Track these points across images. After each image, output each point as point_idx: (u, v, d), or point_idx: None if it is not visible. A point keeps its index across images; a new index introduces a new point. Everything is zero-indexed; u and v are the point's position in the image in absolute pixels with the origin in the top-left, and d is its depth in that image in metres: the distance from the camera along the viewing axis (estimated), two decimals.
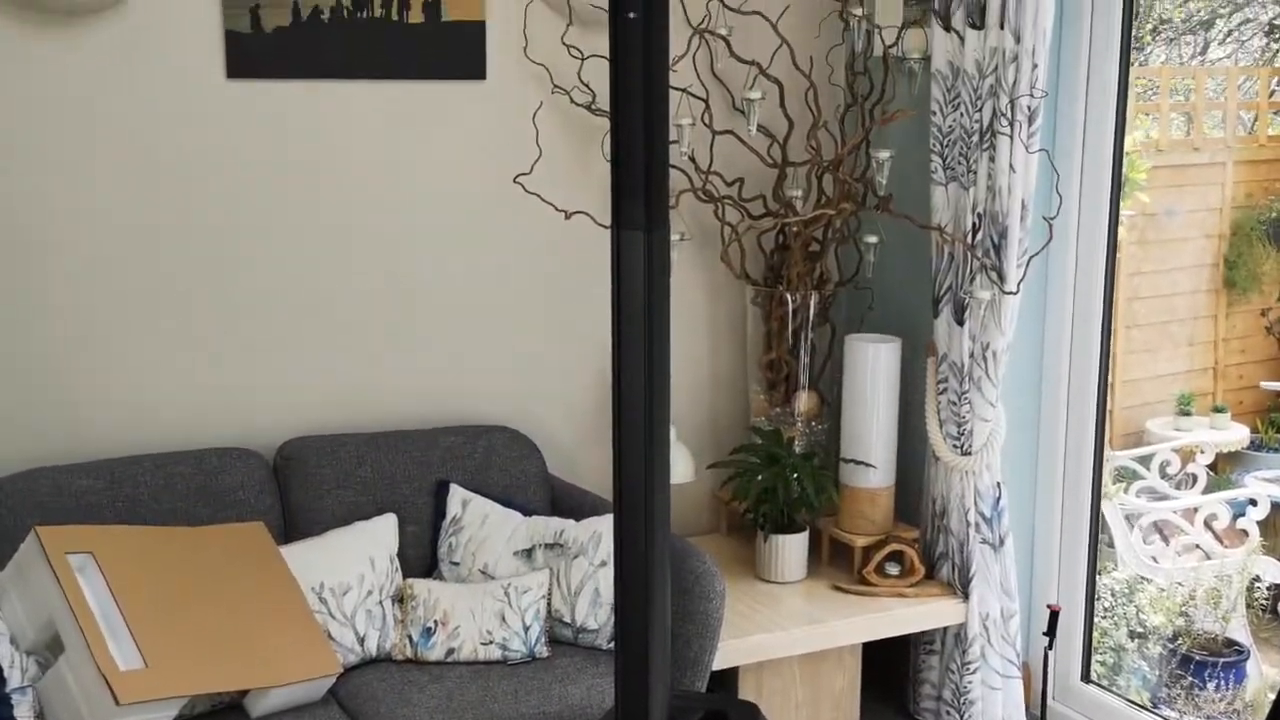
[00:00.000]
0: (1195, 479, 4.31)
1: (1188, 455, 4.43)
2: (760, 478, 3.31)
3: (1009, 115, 2.97)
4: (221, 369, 3.10)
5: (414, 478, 3.09)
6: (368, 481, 3.05)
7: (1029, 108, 2.95)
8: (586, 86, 3.27)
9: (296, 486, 3.01)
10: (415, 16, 3.12)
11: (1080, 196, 3.18)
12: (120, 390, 3.01)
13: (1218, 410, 4.80)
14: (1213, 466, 4.54)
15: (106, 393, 3.00)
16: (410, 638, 2.84)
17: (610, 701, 2.67)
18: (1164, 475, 4.34)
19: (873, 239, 3.42)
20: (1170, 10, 5.93)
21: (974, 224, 3.10)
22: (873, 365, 3.33)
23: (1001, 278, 3.06)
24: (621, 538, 2.15)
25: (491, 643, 2.82)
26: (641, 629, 2.14)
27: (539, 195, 3.21)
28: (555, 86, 3.26)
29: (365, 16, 3.08)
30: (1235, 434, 4.79)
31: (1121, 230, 3.73)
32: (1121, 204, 3.23)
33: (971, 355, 3.17)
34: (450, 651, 2.82)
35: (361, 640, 2.80)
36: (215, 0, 2.94)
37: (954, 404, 3.23)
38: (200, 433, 3.08)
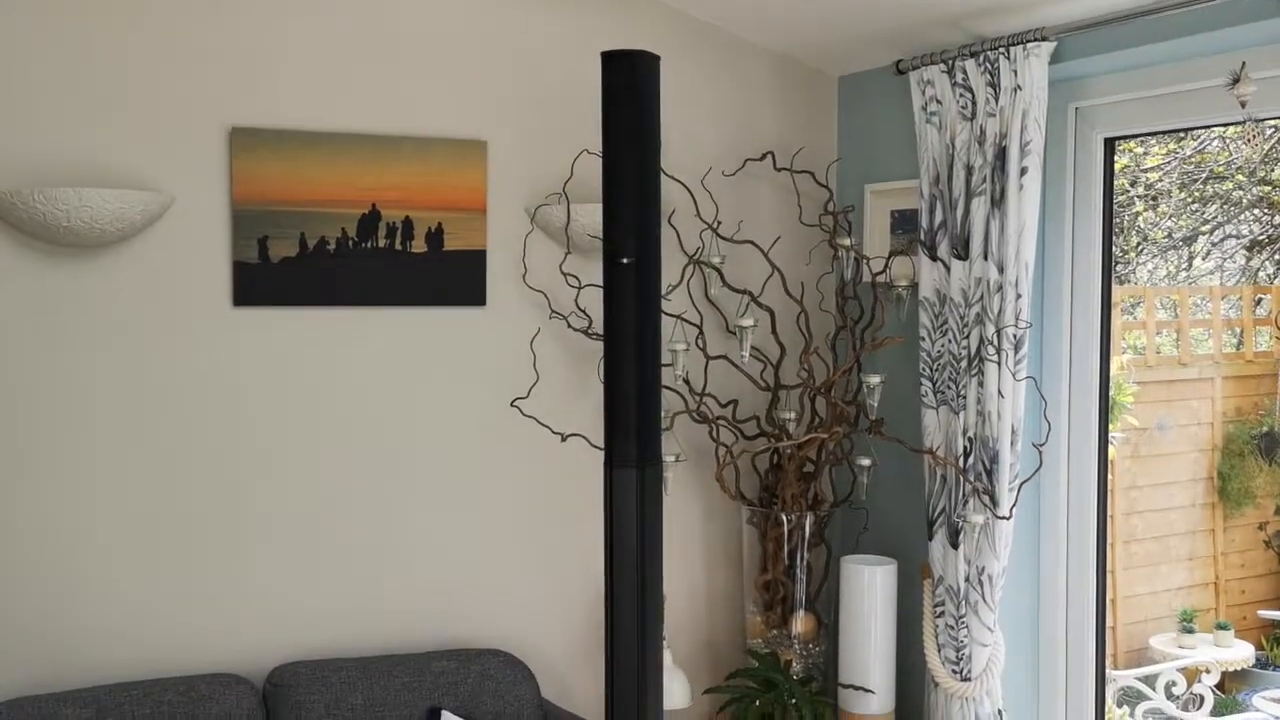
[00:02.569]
0: (1202, 700, 4.24)
1: (1193, 675, 4.36)
2: (758, 704, 3.25)
3: (995, 343, 3.03)
4: (214, 592, 3.08)
5: (405, 704, 3.04)
6: (358, 709, 2.99)
7: (1014, 336, 3.02)
8: (583, 312, 3.35)
9: (286, 715, 2.95)
10: (418, 246, 3.23)
11: (1069, 421, 3.22)
12: (109, 616, 2.99)
13: (1221, 628, 4.75)
14: (1219, 686, 4.46)
15: (95, 619, 2.97)
16: None
17: None
18: (1170, 696, 4.26)
19: (866, 461, 3.45)
20: (1153, 230, 6.12)
21: (965, 448, 3.13)
22: (869, 588, 3.32)
23: (994, 502, 3.08)
24: None
25: None
26: None
27: (536, 419, 3.26)
28: (553, 312, 3.35)
29: (370, 246, 3.18)
30: (1240, 652, 4.73)
31: (1114, 448, 3.77)
32: (1110, 426, 3.27)
33: (967, 579, 3.16)
34: None
35: None
36: (224, 232, 3.05)
37: (951, 628, 3.20)
38: (189, 657, 3.04)
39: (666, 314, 3.36)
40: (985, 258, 3.06)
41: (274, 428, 3.13)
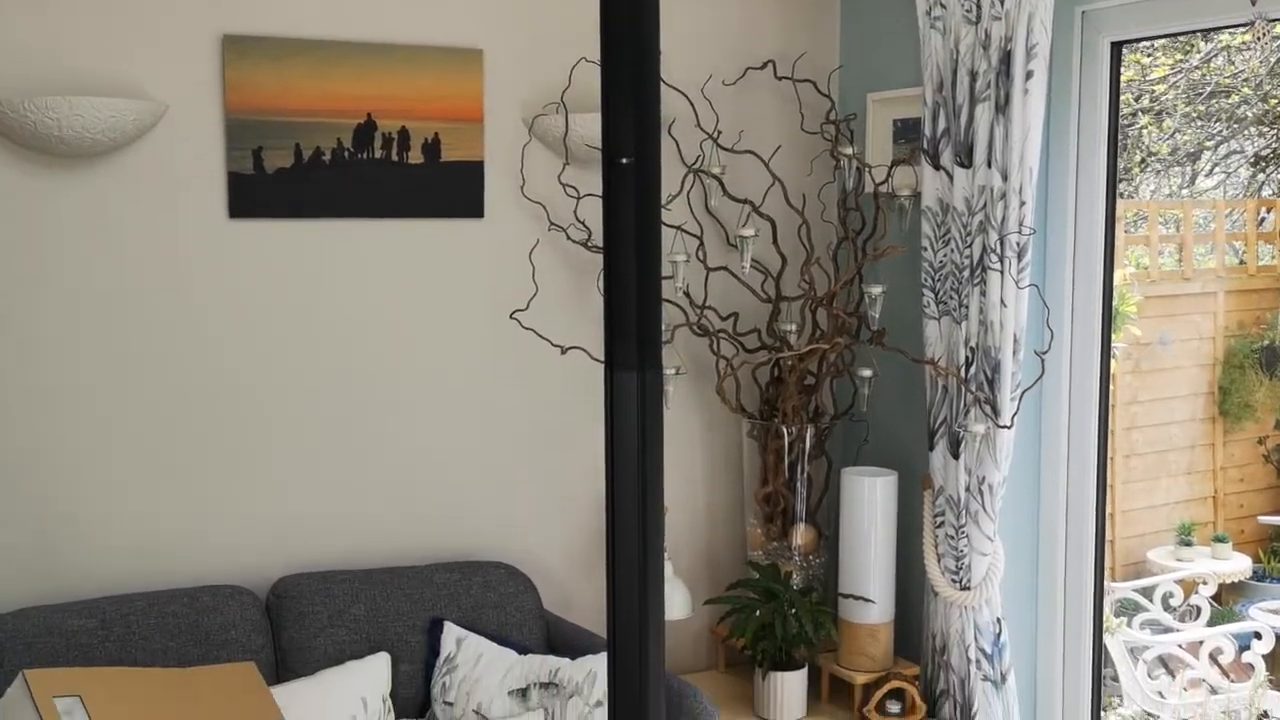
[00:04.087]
0: (1199, 611, 4.27)
1: (1190, 587, 4.39)
2: (758, 614, 3.28)
3: (998, 251, 3.01)
4: (216, 505, 3.09)
5: (407, 615, 3.06)
6: (361, 620, 3.01)
7: (1018, 244, 3.00)
8: (582, 224, 3.33)
9: (289, 625, 2.98)
10: (415, 157, 3.19)
11: (1071, 330, 3.21)
12: (114, 528, 3.00)
13: (1219, 540, 4.78)
14: (1216, 598, 4.50)
15: (100, 530, 2.98)
16: None
17: None
18: (1167, 608, 4.29)
19: (867, 372, 3.44)
20: (1157, 144, 6.06)
21: (967, 358, 3.12)
22: (869, 499, 3.33)
23: (995, 411, 3.07)
24: (615, 678, 2.13)
25: None
26: None
27: (535, 331, 3.24)
28: (552, 224, 3.32)
29: (366, 157, 3.14)
30: (1237, 564, 4.76)
31: (1115, 361, 3.76)
32: (1113, 336, 3.26)
33: (968, 489, 3.16)
34: None
35: None
36: (219, 142, 3.01)
37: (951, 538, 3.21)
38: (193, 570, 3.06)
39: (666, 225, 3.33)
40: (989, 165, 3.03)
41: (272, 342, 3.12)
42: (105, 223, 2.93)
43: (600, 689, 2.86)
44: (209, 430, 3.08)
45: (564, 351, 3.25)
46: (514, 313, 3.26)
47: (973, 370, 3.12)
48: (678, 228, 3.40)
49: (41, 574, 2.92)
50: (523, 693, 2.95)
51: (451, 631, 3.05)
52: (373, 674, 2.91)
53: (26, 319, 2.89)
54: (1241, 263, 5.40)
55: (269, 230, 3.08)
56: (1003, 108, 2.98)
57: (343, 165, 3.12)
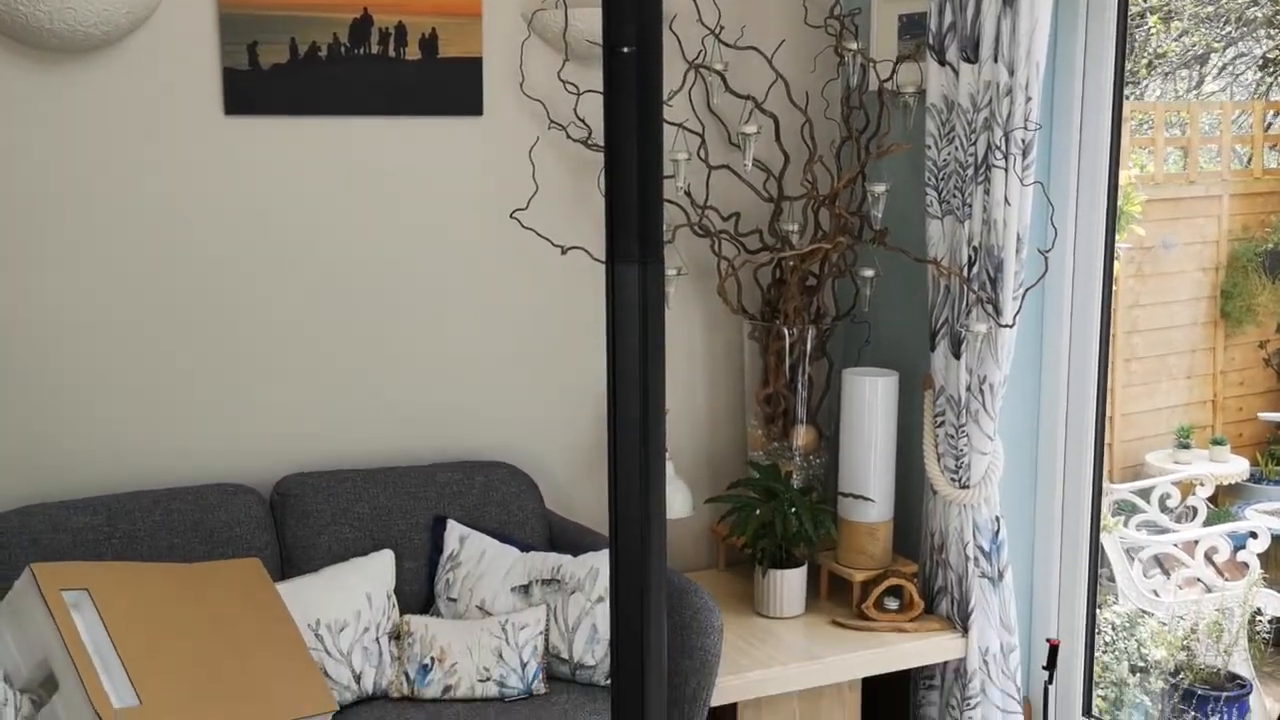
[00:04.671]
0: (1195, 512, 4.31)
1: (1187, 488, 4.42)
2: (758, 512, 3.30)
3: (1003, 148, 2.98)
4: (219, 405, 3.10)
5: (411, 514, 3.08)
6: (364, 518, 3.04)
7: (1023, 140, 2.96)
8: (583, 122, 3.29)
9: (293, 523, 3.00)
10: (412, 53, 3.14)
11: (1075, 229, 3.19)
12: (118, 426, 3.01)
13: (1217, 443, 4.80)
14: (1213, 499, 4.53)
15: (104, 429, 2.99)
16: (407, 675, 2.82)
17: None
18: (1164, 508, 4.33)
19: (869, 272, 3.43)
20: (1165, 45, 5.98)
21: (970, 257, 3.11)
22: (870, 399, 3.33)
23: (997, 311, 3.06)
24: (618, 573, 2.14)
25: (489, 679, 2.81)
26: (638, 665, 2.13)
27: (535, 230, 3.22)
28: (552, 122, 3.28)
29: (362, 53, 3.10)
30: (1235, 467, 4.79)
31: (1118, 264, 3.74)
32: (1117, 236, 3.24)
33: (968, 388, 3.17)
34: (447, 689, 2.80)
35: (358, 677, 2.78)
36: (213, 37, 2.96)
37: (951, 437, 3.22)
38: (197, 469, 3.07)
39: (668, 122, 3.29)
40: (995, 60, 2.98)
41: (271, 240, 3.10)
42: (98, 119, 2.90)
43: (602, 585, 2.89)
44: (209, 329, 3.07)
45: (564, 251, 3.23)
46: (514, 212, 3.23)
47: (975, 269, 3.10)
48: (679, 125, 3.36)
49: (46, 472, 2.93)
50: (525, 589, 2.99)
51: (454, 529, 3.08)
52: (377, 570, 2.94)
53: (21, 218, 2.87)
54: (1247, 166, 5.36)
55: (265, 127, 3.05)
56: (1010, 1, 2.93)
57: (339, 61, 3.08)
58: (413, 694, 2.81)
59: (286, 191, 3.10)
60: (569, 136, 3.29)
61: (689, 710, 2.80)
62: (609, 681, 2.78)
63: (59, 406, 2.95)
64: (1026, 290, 3.06)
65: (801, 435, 3.51)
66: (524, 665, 2.83)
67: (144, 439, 3.03)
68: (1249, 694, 3.67)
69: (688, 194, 3.39)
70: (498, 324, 3.38)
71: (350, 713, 2.75)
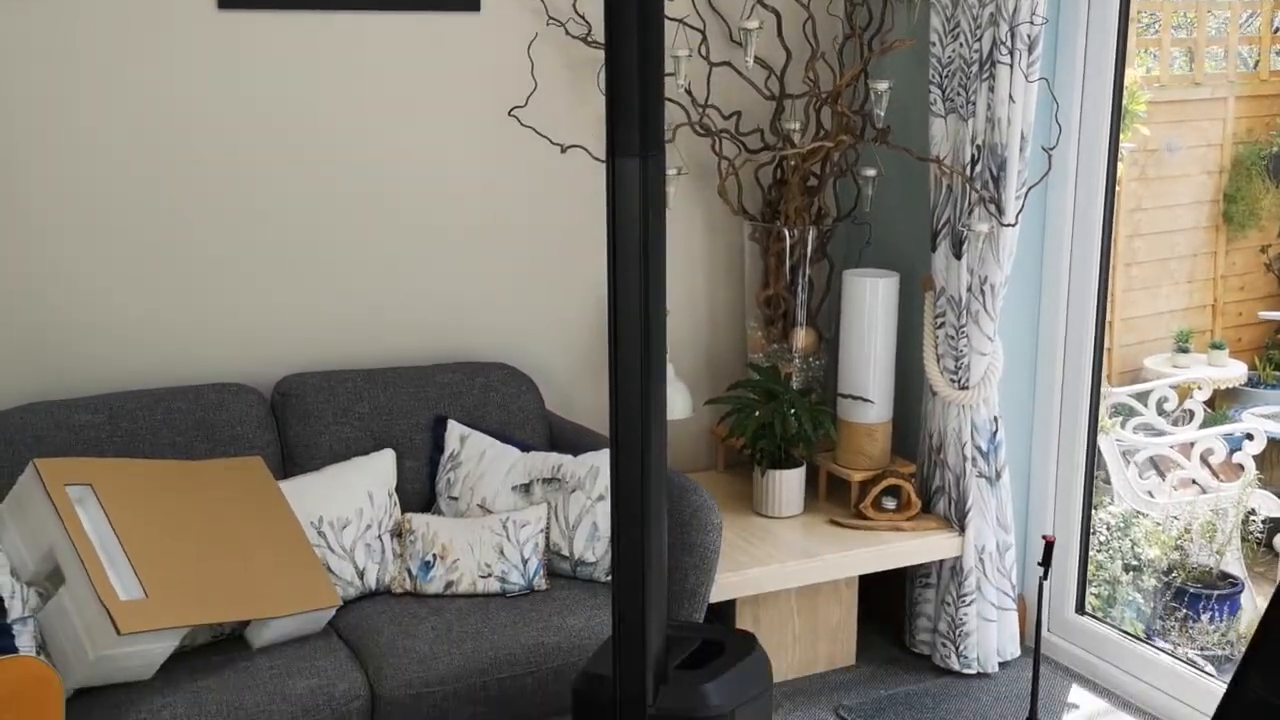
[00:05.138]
0: (1192, 415, 4.32)
1: (1185, 392, 4.43)
2: (757, 414, 3.31)
3: (1009, 44, 2.94)
4: (219, 305, 3.09)
5: (411, 413, 3.09)
6: (365, 417, 3.05)
7: (1029, 35, 2.92)
8: (582, 18, 3.24)
9: (294, 422, 3.01)
10: None
11: (1080, 127, 3.16)
12: (119, 326, 3.00)
13: (1215, 347, 4.80)
14: (1210, 403, 4.54)
15: (105, 328, 2.99)
16: (409, 571, 2.85)
17: (609, 631, 2.69)
18: (1161, 412, 4.34)
19: (871, 172, 3.40)
20: None
21: (973, 156, 3.08)
22: (870, 300, 3.32)
23: (1000, 210, 3.05)
24: (618, 471, 2.16)
25: (490, 575, 2.84)
26: (638, 560, 2.15)
27: (534, 129, 3.19)
28: (550, 18, 3.23)
29: None
30: (1233, 370, 4.79)
31: (1121, 166, 3.71)
32: (1121, 136, 3.21)
33: (969, 289, 3.16)
34: (449, 584, 2.84)
35: (361, 573, 2.81)
36: None
37: (951, 338, 3.22)
38: (198, 368, 3.08)
39: (668, 17, 3.24)
40: None
41: (269, 138, 3.07)
42: (92, 15, 2.85)
43: (602, 484, 2.91)
44: (208, 231, 3.05)
45: (564, 150, 3.20)
46: (512, 109, 3.19)
47: (978, 168, 3.08)
48: (680, 21, 3.31)
49: (49, 370, 2.94)
50: (526, 488, 3.01)
51: (455, 429, 3.09)
52: (378, 469, 2.95)
53: (21, 115, 2.83)
54: (1254, 69, 5.28)
55: (260, 21, 3.00)
56: None
57: None
58: (415, 589, 2.84)
59: (284, 89, 3.06)
60: (568, 33, 3.24)
61: (688, 606, 2.84)
62: (609, 578, 2.81)
63: (60, 305, 2.94)
64: (1029, 188, 3.04)
65: (801, 337, 3.51)
66: (525, 562, 2.86)
67: (145, 338, 3.03)
68: (1240, 592, 3.71)
69: (688, 92, 3.35)
70: (497, 225, 3.36)
71: (353, 608, 2.78)
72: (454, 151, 3.27)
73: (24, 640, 2.28)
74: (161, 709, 2.35)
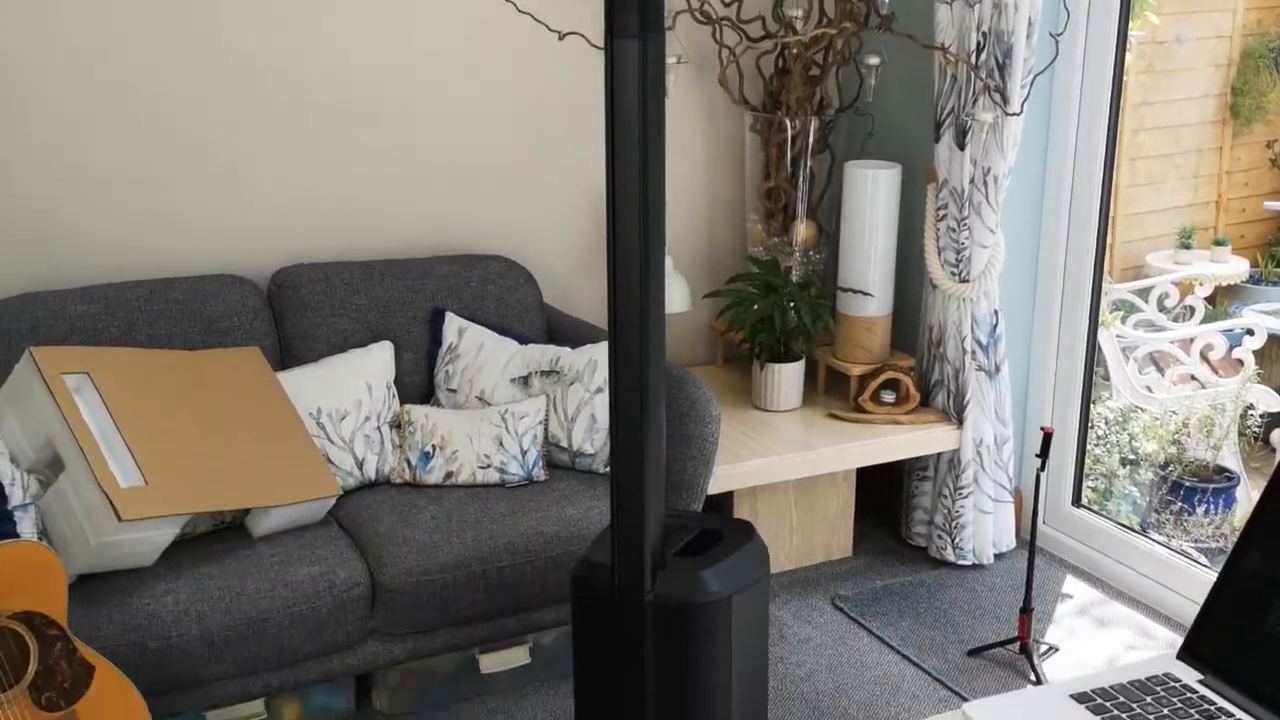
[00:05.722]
0: (1193, 312, 4.31)
1: (1186, 289, 4.41)
2: (757, 307, 3.30)
3: None
4: (215, 196, 3.06)
5: (409, 306, 3.07)
6: (363, 309, 3.03)
7: None
8: None
9: (291, 314, 2.99)
10: None
11: (1088, 12, 3.09)
12: (114, 216, 2.97)
13: (1218, 243, 4.77)
14: (1211, 300, 4.53)
15: (100, 219, 2.96)
16: (409, 461, 2.86)
17: (607, 520, 2.70)
18: (1162, 308, 4.33)
19: (874, 60, 3.34)
20: None
21: (978, 43, 3.02)
22: (872, 192, 3.29)
23: (1005, 99, 3.00)
24: (617, 362, 2.15)
25: (489, 466, 2.85)
26: (637, 450, 2.15)
27: (531, 15, 3.12)
28: None
29: None
30: (1235, 267, 4.77)
31: (1130, 57, 3.64)
32: (1130, 24, 3.14)
33: (972, 180, 3.12)
34: (449, 475, 2.85)
35: (360, 464, 2.82)
36: None
37: (953, 230, 3.19)
38: (193, 260, 3.05)
39: None
40: None
41: (268, 30, 3.00)
42: None
43: (601, 376, 2.91)
44: (205, 121, 3.01)
45: (561, 37, 3.14)
46: None
47: (983, 56, 3.02)
48: None
49: (45, 260, 2.91)
50: (524, 380, 3.00)
51: (453, 322, 3.08)
52: (377, 361, 2.95)
53: (30, 19, 2.78)
54: None
55: None
56: None
57: None
58: (414, 480, 2.85)
59: None
60: None
61: (686, 497, 2.85)
62: (608, 469, 2.82)
63: (57, 196, 2.91)
64: (1036, 76, 2.98)
65: (802, 230, 3.48)
66: (524, 453, 2.86)
67: (141, 229, 3.00)
68: (1236, 486, 3.74)
69: None
70: (492, 115, 3.31)
71: (353, 497, 2.80)
72: (450, 39, 3.20)
73: (25, 527, 2.29)
74: (165, 594, 2.37)
